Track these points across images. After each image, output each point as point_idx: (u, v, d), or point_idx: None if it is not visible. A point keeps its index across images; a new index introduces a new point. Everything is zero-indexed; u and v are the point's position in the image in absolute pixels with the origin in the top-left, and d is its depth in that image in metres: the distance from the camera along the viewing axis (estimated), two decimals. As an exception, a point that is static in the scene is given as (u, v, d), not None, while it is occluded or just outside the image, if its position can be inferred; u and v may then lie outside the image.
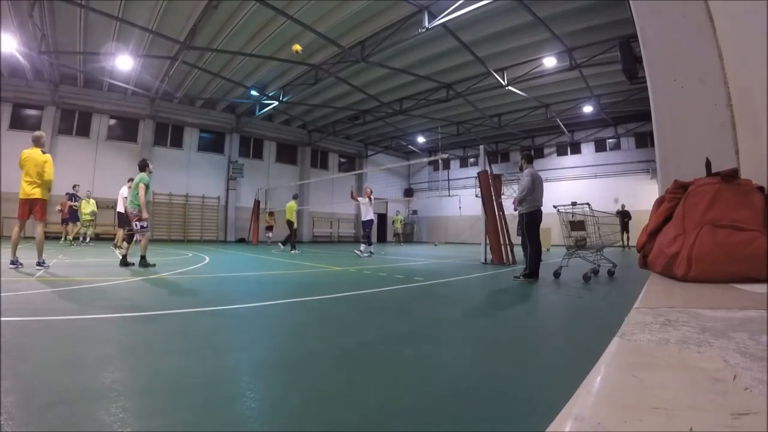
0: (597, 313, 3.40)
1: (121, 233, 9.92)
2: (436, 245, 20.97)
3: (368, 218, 10.84)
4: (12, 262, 5.28)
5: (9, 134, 15.27)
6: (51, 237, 13.90)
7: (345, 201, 23.46)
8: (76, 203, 12.74)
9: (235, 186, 20.65)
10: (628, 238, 14.07)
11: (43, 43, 12.08)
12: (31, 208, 5.47)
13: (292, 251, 11.62)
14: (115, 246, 9.75)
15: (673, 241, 1.70)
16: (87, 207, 12.87)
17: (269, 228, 18.49)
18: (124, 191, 9.76)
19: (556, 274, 5.46)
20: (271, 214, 18.68)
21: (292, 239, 12.52)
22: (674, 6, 2.22)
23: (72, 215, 12.74)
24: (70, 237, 12.82)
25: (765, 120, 1.74)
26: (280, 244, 12.92)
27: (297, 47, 9.99)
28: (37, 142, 5.64)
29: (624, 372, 0.63)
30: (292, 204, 13.05)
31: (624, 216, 14.30)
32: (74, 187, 12.98)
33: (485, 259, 8.39)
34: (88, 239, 13.15)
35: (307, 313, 3.23)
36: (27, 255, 6.14)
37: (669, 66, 2.26)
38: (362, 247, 10.53)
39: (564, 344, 2.44)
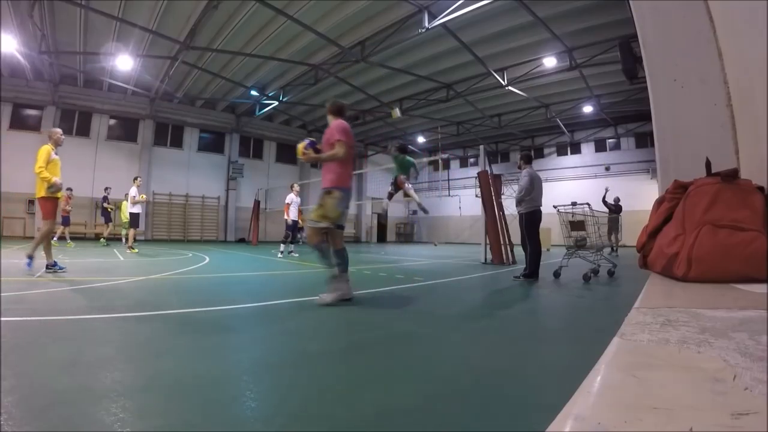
0: (597, 313, 3.40)
1: (132, 233, 9.90)
2: (436, 245, 20.97)
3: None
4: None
5: (9, 134, 15.28)
6: (82, 238, 13.86)
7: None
8: (110, 205, 12.76)
9: (235, 186, 20.66)
10: (617, 239, 11.36)
11: (43, 43, 12.08)
12: (39, 207, 5.17)
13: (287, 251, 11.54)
14: (129, 248, 9.70)
15: (673, 242, 1.70)
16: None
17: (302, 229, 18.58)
18: (133, 191, 9.77)
19: (556, 274, 5.46)
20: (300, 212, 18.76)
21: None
22: (674, 6, 2.22)
23: (105, 216, 12.82)
24: (104, 238, 12.83)
25: (765, 120, 1.74)
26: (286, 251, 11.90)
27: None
28: (49, 137, 5.32)
29: (624, 372, 0.63)
30: None
31: (616, 211, 11.75)
32: (106, 189, 13.04)
33: (485, 259, 8.39)
34: (125, 240, 13.15)
35: (306, 312, 3.23)
36: (23, 255, 6.12)
37: (669, 66, 2.26)
38: (283, 246, 10.11)
39: (564, 344, 2.43)
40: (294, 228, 10.52)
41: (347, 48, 12.86)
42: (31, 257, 5.05)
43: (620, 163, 20.55)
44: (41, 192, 5.03)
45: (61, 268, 5.05)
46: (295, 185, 10.80)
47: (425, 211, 8.32)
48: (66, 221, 12.00)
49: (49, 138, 5.31)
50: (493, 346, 2.31)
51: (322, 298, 3.40)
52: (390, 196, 8.07)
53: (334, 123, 3.70)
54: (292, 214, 10.31)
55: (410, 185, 7.30)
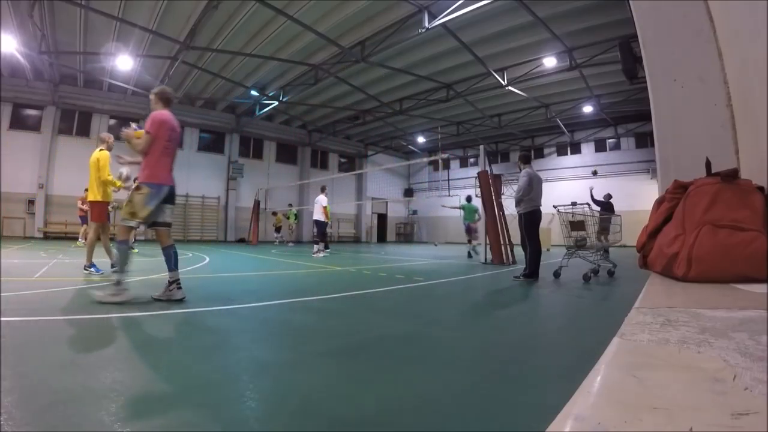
0: (597, 313, 3.40)
1: (133, 233, 9.88)
2: (436, 245, 20.97)
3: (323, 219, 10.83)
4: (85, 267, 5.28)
5: (9, 134, 15.28)
6: (67, 237, 13.81)
7: (345, 201, 23.49)
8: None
9: (235, 186, 20.66)
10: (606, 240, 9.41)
11: (43, 43, 12.08)
12: (90, 210, 5.49)
13: (326, 252, 11.28)
14: (128, 247, 9.69)
15: (673, 241, 1.70)
16: None
17: (278, 229, 18.72)
18: None
19: (556, 274, 5.46)
20: (274, 213, 18.79)
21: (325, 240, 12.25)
22: (674, 6, 2.22)
23: (82, 219, 12.79)
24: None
25: (765, 120, 1.74)
26: (326, 252, 10.95)
27: None
28: (100, 142, 5.53)
29: (624, 372, 0.63)
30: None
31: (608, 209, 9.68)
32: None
33: (485, 259, 8.39)
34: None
35: (307, 313, 3.23)
36: (22, 255, 6.12)
37: (669, 66, 2.27)
38: (321, 246, 10.67)
39: (564, 344, 2.43)
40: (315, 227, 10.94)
41: (347, 48, 12.86)
42: (91, 264, 5.26)
43: (620, 163, 20.54)
44: (97, 196, 5.28)
45: (98, 271, 5.18)
46: (326, 188, 11.22)
47: (476, 253, 9.79)
48: (85, 220, 11.95)
49: (104, 143, 5.47)
50: (493, 346, 2.32)
51: (98, 295, 3.26)
52: (469, 241, 10.31)
53: (152, 114, 3.45)
54: (320, 215, 10.75)
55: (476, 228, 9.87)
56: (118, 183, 5.38)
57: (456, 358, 2.04)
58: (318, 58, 13.91)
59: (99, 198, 5.29)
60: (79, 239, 12.06)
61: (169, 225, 3.63)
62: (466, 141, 24.41)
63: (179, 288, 3.40)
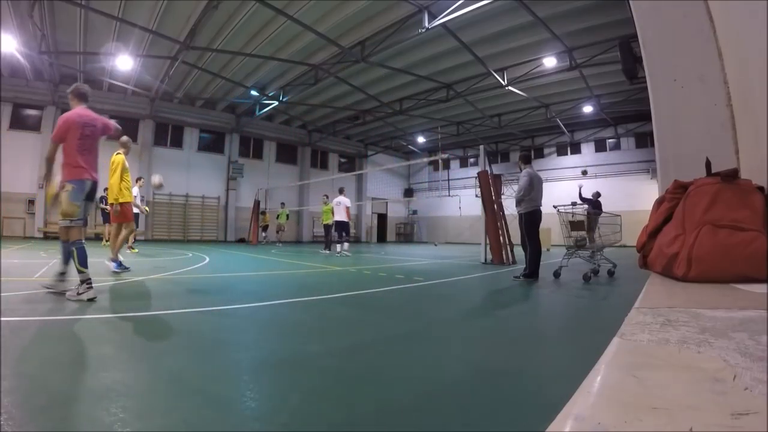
0: (597, 313, 3.40)
1: (132, 233, 9.93)
2: (436, 245, 20.96)
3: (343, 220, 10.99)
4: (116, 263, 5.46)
5: (9, 134, 15.28)
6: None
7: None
8: (106, 206, 12.81)
9: (235, 186, 20.65)
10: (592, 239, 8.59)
11: (43, 43, 12.07)
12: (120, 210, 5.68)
13: (334, 252, 11.01)
14: (129, 248, 9.72)
15: (673, 241, 1.70)
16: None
17: (265, 228, 18.69)
18: (135, 191, 9.81)
19: (556, 274, 5.45)
20: (263, 213, 18.79)
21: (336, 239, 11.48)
22: (674, 6, 2.22)
23: (104, 217, 12.80)
24: (106, 240, 12.89)
25: (765, 120, 1.74)
26: (337, 252, 10.74)
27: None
28: (120, 146, 5.64)
29: (624, 372, 0.63)
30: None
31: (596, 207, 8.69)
32: (105, 190, 12.94)
33: (485, 259, 8.38)
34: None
35: (307, 313, 3.23)
36: (22, 255, 6.12)
37: (669, 66, 2.27)
38: (346, 245, 10.78)
39: (564, 344, 2.43)
40: (337, 228, 11.01)
41: (347, 48, 12.85)
42: (115, 260, 5.45)
43: (620, 163, 20.55)
44: (119, 197, 5.51)
45: (126, 269, 5.40)
46: (344, 189, 11.40)
47: None
48: (84, 221, 11.96)
49: (122, 146, 5.61)
50: (493, 346, 2.32)
51: (68, 293, 3.31)
52: None
53: (59, 117, 3.42)
54: (344, 216, 10.87)
55: None
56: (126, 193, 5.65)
57: (455, 359, 2.04)
58: (318, 58, 13.91)
59: (128, 199, 5.63)
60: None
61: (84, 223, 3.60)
62: (466, 141, 24.40)
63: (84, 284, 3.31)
